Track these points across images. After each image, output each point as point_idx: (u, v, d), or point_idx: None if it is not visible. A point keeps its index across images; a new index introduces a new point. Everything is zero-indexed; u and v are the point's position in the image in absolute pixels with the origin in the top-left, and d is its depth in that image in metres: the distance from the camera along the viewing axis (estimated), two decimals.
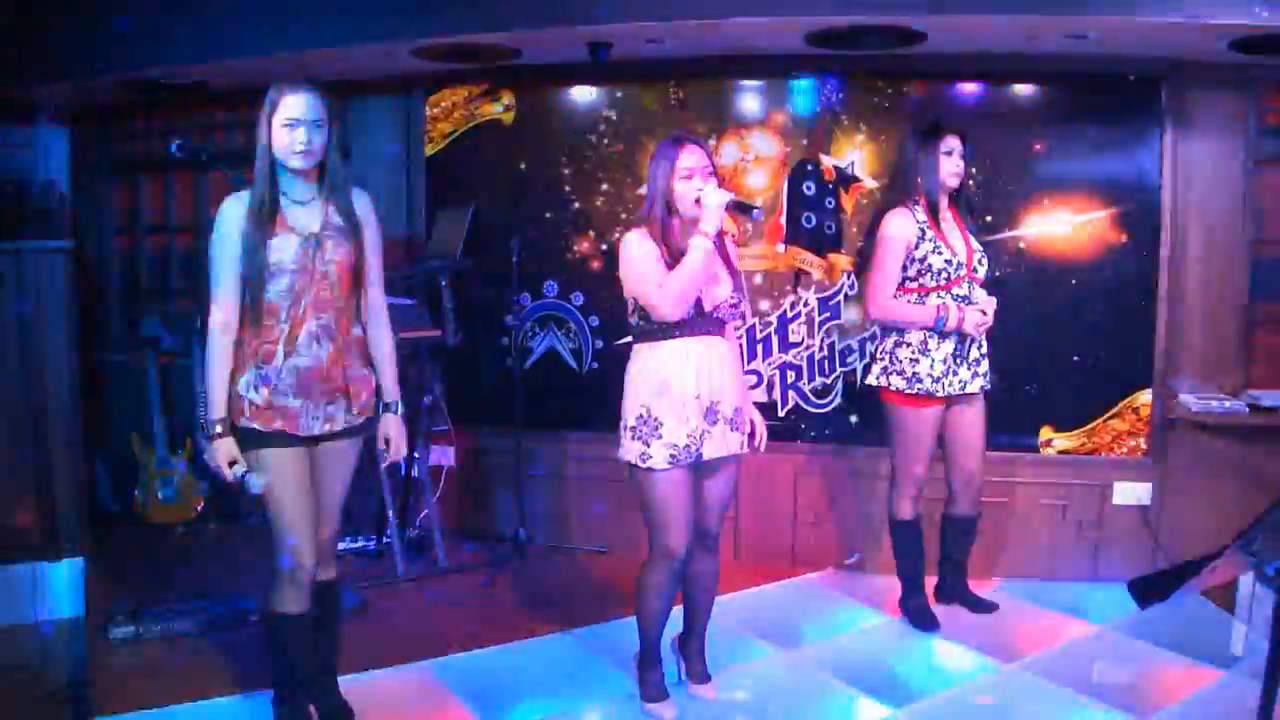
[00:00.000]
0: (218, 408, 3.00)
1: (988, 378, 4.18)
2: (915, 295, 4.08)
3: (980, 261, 4.12)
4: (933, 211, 4.10)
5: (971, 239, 4.15)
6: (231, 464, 3.01)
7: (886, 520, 4.35)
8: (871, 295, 4.16)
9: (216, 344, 3.01)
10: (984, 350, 4.15)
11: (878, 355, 4.21)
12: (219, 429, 3.00)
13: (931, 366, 4.05)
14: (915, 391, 4.06)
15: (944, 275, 4.04)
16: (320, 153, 3.03)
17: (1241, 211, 4.65)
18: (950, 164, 4.06)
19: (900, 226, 4.07)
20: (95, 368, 5.93)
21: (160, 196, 6.05)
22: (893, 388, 4.11)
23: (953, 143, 4.06)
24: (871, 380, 4.21)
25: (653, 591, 3.43)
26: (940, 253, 4.04)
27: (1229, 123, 4.63)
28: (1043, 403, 4.80)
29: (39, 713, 3.61)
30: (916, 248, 4.05)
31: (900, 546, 4.31)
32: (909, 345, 4.08)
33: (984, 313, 4.04)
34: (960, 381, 4.08)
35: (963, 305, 4.03)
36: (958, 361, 4.06)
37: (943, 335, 4.04)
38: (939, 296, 4.05)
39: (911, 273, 4.08)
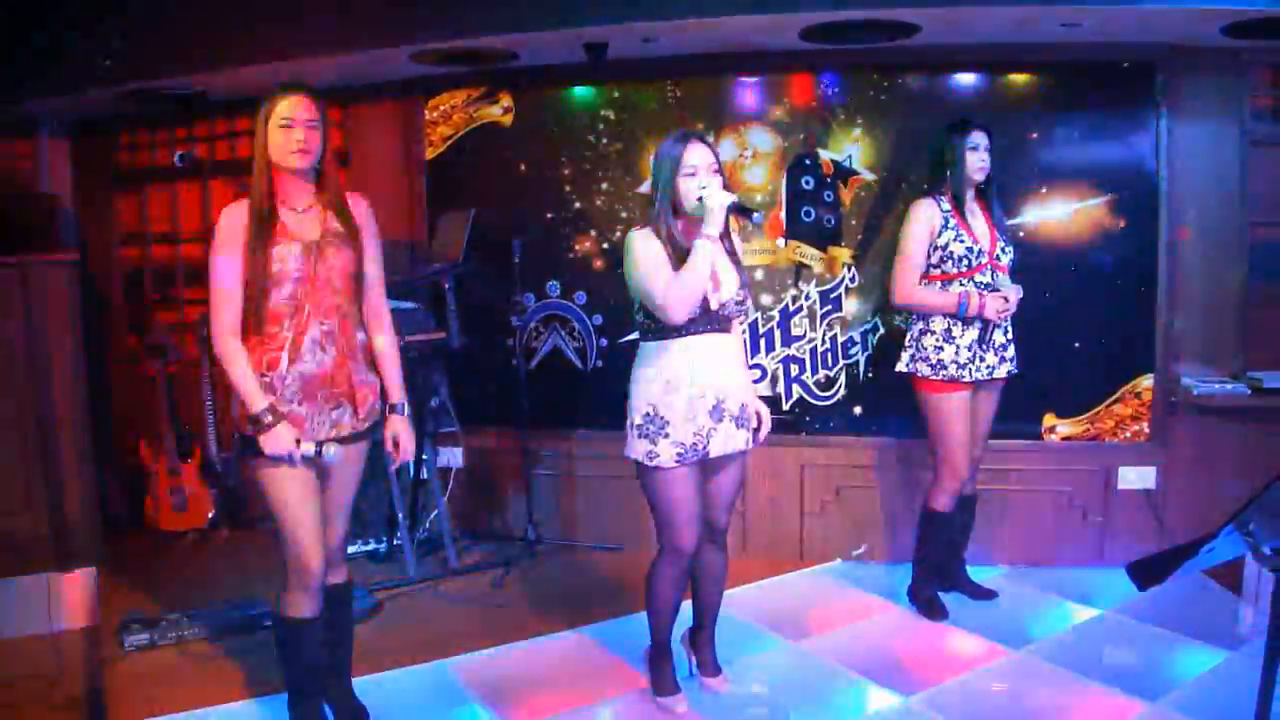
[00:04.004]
0: (255, 400, 2.96)
1: (1014, 362, 4.26)
2: (939, 282, 4.16)
3: (1004, 250, 4.19)
4: (958, 202, 4.16)
5: (997, 228, 4.21)
6: (298, 442, 2.98)
7: (921, 509, 4.34)
8: (897, 282, 4.22)
9: (228, 347, 2.98)
10: (1010, 336, 4.24)
11: (906, 343, 4.28)
12: (270, 419, 2.95)
13: (956, 353, 4.12)
14: (941, 377, 4.13)
15: (965, 263, 4.11)
16: (317, 153, 3.03)
17: (1237, 194, 4.67)
18: (976, 159, 4.14)
19: (924, 215, 4.16)
20: (104, 377, 5.96)
21: (165, 207, 6.07)
22: (920, 374, 4.18)
23: (979, 138, 4.14)
24: (901, 367, 4.29)
25: (662, 587, 3.45)
26: (961, 240, 4.11)
27: (1223, 107, 4.66)
28: (1045, 390, 4.81)
29: None
30: (939, 236, 4.13)
31: (928, 536, 4.33)
32: (933, 333, 4.16)
33: (1006, 300, 4.11)
34: (988, 367, 4.17)
35: (984, 292, 4.09)
36: (983, 347, 4.14)
37: (966, 322, 4.12)
38: (961, 284, 4.12)
39: (935, 260, 4.17)
